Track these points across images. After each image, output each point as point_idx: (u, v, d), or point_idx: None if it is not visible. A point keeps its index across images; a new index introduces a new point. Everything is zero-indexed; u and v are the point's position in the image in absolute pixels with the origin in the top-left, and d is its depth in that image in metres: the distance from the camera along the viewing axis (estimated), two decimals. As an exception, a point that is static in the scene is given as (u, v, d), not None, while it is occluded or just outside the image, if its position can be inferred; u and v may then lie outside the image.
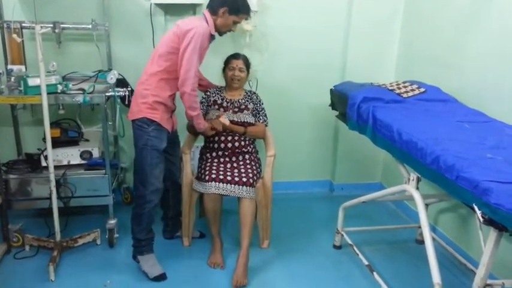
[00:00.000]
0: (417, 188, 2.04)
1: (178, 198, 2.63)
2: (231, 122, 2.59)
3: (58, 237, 2.42)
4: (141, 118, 2.27)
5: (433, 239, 2.65)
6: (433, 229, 2.83)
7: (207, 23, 2.30)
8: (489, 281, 1.66)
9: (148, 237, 2.39)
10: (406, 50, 3.18)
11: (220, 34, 2.42)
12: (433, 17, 2.84)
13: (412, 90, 2.45)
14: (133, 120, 2.33)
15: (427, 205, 2.69)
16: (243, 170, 2.47)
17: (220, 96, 2.72)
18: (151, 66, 2.31)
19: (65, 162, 2.62)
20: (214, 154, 2.59)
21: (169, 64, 2.26)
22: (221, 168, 2.48)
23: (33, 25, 2.22)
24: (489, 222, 1.48)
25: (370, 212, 3.13)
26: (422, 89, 2.46)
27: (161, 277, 2.33)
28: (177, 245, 2.65)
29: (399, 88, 2.46)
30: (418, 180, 2.03)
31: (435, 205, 2.69)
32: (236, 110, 2.67)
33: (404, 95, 2.38)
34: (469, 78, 2.49)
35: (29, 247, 2.51)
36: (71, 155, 2.63)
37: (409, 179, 2.09)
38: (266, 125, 2.74)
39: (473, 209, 1.51)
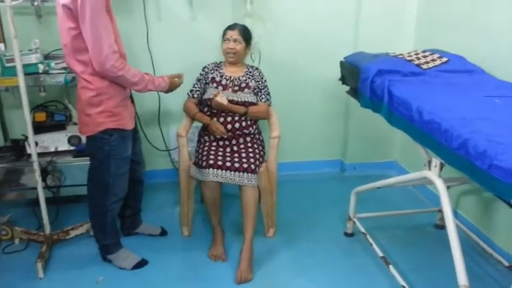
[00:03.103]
0: (440, 176, 1.79)
1: (139, 197, 2.41)
2: (231, 101, 2.34)
3: (47, 230, 2.26)
4: (103, 130, 1.93)
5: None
6: (454, 213, 2.59)
7: None
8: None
9: (115, 239, 2.21)
10: (426, 14, 2.85)
11: None
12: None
13: (433, 60, 2.17)
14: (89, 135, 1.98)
15: (448, 187, 2.47)
16: (244, 155, 2.25)
17: (219, 73, 2.47)
18: (77, 66, 1.87)
19: (52, 149, 2.44)
20: (212, 137, 2.37)
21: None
22: (220, 153, 2.26)
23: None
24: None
25: (385, 195, 2.88)
26: (444, 59, 2.17)
27: (141, 263, 2.20)
28: (175, 236, 2.47)
29: (418, 58, 2.18)
30: (442, 166, 1.78)
31: (457, 187, 2.45)
32: (236, 88, 2.42)
33: (424, 66, 2.11)
34: (498, 45, 2.20)
35: (19, 240, 2.35)
36: (58, 141, 2.44)
37: (429, 163, 1.84)
38: (269, 105, 2.49)
39: (509, 204, 1.27)
